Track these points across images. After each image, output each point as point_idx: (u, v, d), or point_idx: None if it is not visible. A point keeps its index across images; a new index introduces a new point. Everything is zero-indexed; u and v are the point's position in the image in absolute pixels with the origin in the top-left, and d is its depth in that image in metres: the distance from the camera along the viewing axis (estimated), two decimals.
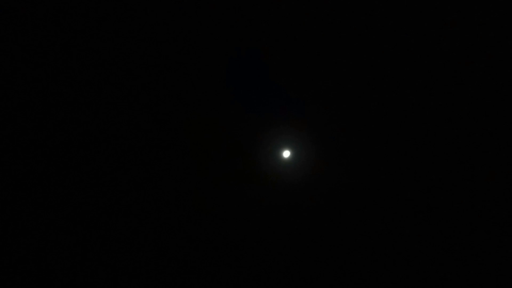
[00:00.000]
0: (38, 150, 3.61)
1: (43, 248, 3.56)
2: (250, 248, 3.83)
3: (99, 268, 3.62)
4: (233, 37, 3.76)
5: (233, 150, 3.88)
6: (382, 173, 3.83)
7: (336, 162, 3.90)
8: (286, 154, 3.92)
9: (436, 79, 3.65)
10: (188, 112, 3.83)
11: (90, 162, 3.69)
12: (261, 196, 3.90)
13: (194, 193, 3.85)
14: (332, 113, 3.88)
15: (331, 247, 3.82)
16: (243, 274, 3.77)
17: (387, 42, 3.67)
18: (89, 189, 3.69)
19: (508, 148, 3.57)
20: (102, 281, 3.61)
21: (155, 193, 3.79)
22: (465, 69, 3.62)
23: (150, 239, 3.75)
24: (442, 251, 3.65)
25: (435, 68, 3.66)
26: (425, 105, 3.67)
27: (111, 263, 3.65)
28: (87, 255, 3.63)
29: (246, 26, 3.72)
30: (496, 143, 3.61)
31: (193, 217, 3.82)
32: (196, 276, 3.74)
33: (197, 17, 3.68)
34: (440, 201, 3.68)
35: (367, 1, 3.56)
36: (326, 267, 3.79)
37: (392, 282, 3.69)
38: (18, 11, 3.47)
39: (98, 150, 3.71)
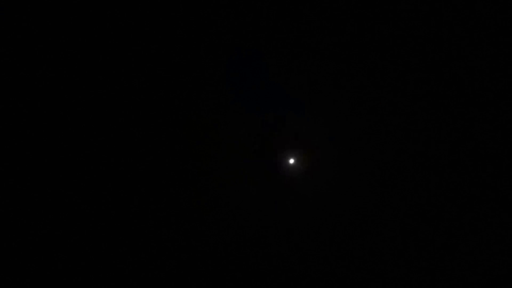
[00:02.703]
0: (38, 150, 3.61)
1: (43, 248, 3.57)
2: (249, 249, 3.83)
3: (99, 268, 3.63)
4: (233, 37, 3.76)
5: (233, 150, 3.88)
6: (382, 174, 3.83)
7: (336, 162, 3.90)
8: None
9: (443, 80, 3.65)
10: (188, 112, 3.83)
11: (90, 162, 3.69)
12: (261, 197, 3.90)
13: (194, 193, 3.85)
14: (332, 113, 3.88)
15: (330, 247, 3.82)
16: (242, 275, 3.77)
17: (388, 42, 3.67)
18: (89, 189, 3.68)
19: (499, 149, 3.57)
20: (102, 281, 3.61)
21: (154, 193, 3.79)
22: (465, 72, 3.62)
23: (150, 239, 3.75)
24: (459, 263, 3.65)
25: (442, 67, 3.65)
26: (438, 104, 3.65)
27: (111, 263, 3.65)
28: (87, 255, 3.63)
29: (246, 26, 3.72)
30: (495, 148, 3.61)
31: (192, 217, 3.82)
32: (195, 276, 3.74)
33: (197, 17, 3.67)
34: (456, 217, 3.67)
35: (368, 1, 3.55)
36: (324, 269, 3.79)
37: None
38: (18, 11, 3.47)
39: (98, 150, 3.71)
